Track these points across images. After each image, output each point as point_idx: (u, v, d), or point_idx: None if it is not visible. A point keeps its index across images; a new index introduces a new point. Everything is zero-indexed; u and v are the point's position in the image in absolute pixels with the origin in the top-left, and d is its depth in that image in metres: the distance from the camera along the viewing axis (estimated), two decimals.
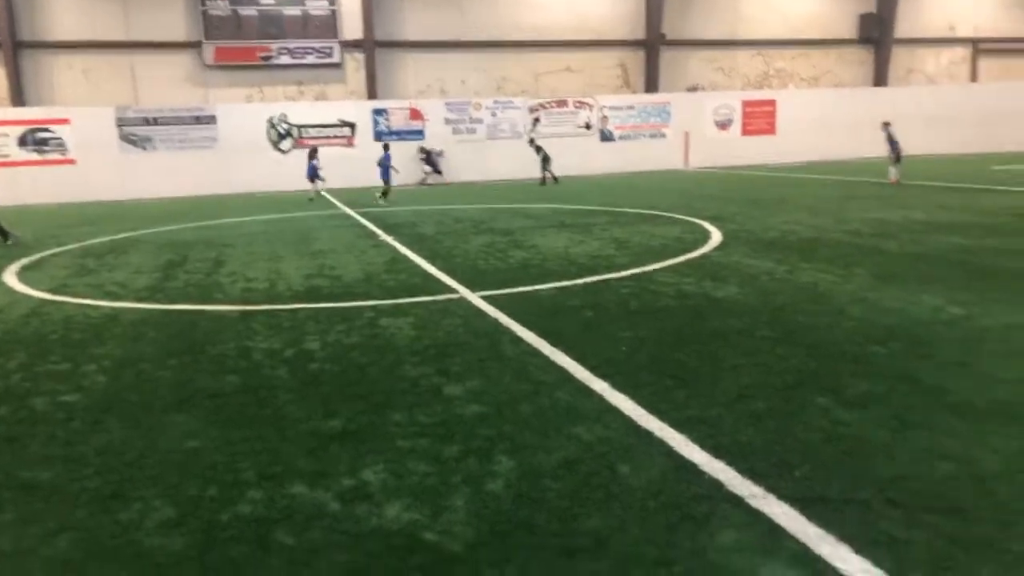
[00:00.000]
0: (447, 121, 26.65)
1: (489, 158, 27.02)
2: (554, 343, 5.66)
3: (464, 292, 7.73)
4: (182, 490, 3.53)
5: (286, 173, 24.99)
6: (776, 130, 30.20)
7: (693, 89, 30.50)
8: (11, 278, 9.70)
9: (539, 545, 2.93)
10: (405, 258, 10.14)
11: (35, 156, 23.63)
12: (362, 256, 10.45)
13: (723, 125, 29.71)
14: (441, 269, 9.11)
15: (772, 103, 30.16)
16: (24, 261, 11.15)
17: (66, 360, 5.82)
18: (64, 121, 23.76)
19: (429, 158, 25.93)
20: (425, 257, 10.07)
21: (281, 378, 5.16)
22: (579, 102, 28.08)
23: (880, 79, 32.59)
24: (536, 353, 5.47)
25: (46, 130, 23.61)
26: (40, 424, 4.48)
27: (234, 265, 10.08)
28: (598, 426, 4.06)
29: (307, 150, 22.49)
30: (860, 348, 5.28)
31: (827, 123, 29.85)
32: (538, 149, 23.85)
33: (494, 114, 27.13)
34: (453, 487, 3.44)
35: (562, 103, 27.94)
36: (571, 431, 4.01)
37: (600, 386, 4.68)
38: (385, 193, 19.24)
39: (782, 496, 3.20)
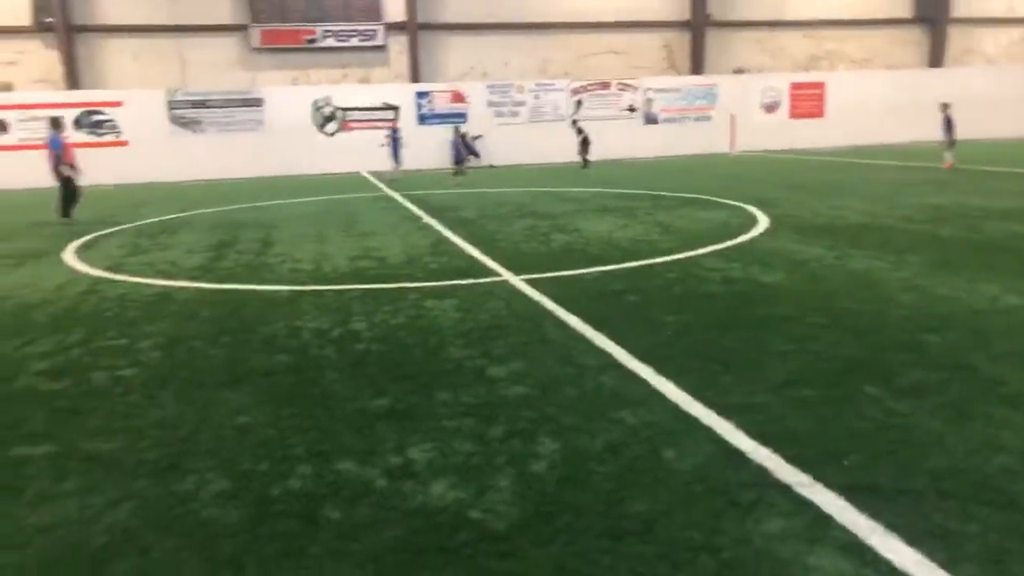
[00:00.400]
0: (489, 104, 26.59)
1: (531, 141, 26.90)
2: (598, 327, 5.65)
3: (507, 275, 7.75)
4: (235, 464, 3.63)
5: (331, 155, 25.29)
6: (825, 113, 29.49)
7: (739, 71, 29.93)
8: (70, 256, 10.01)
9: (584, 527, 2.95)
10: (448, 241, 10.19)
11: (90, 138, 24.23)
12: (406, 238, 10.54)
13: (770, 108, 29.12)
14: (484, 252, 9.13)
15: (821, 86, 29.44)
16: (81, 240, 11.48)
17: (123, 336, 6.00)
18: (118, 104, 24.30)
19: (464, 142, 25.89)
20: (468, 240, 10.11)
21: (329, 358, 5.25)
22: (623, 84, 27.77)
23: (935, 60, 31.57)
24: (579, 337, 5.47)
25: (100, 112, 24.20)
26: (100, 397, 4.63)
27: (282, 246, 10.25)
28: (643, 411, 4.06)
29: (389, 131, 22.90)
30: (913, 337, 5.16)
31: (878, 106, 29.05)
32: (579, 131, 23.72)
33: (536, 97, 26.98)
34: (497, 467, 3.48)
35: (605, 85, 27.65)
36: (615, 415, 4.01)
37: (645, 371, 4.66)
38: (457, 173, 19.57)
39: (830, 485, 3.16)
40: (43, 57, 25.23)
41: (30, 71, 25.31)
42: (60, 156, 14.02)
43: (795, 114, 29.35)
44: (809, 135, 28.94)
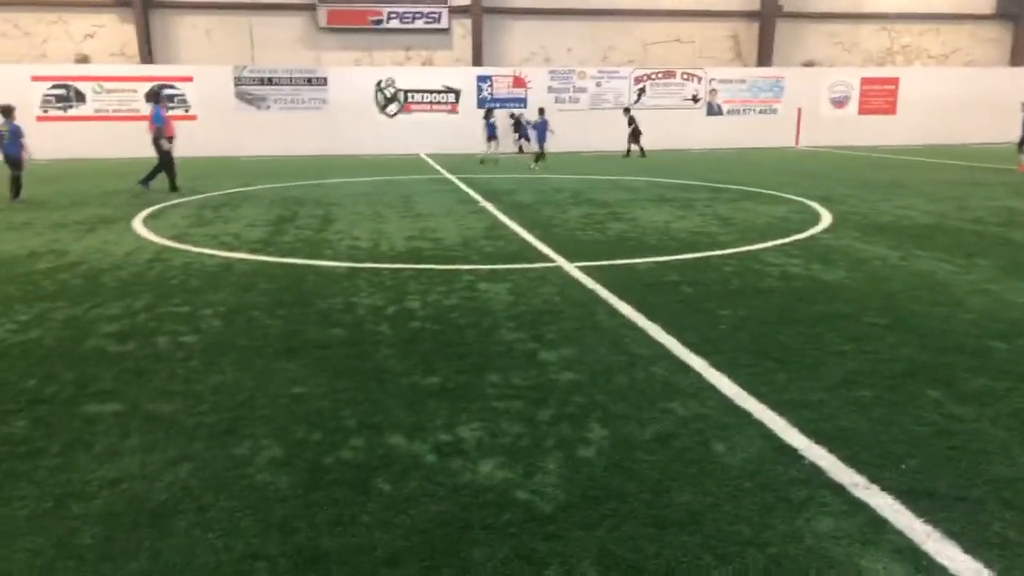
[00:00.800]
0: (550, 89, 26.46)
1: (590, 128, 26.71)
2: (651, 317, 5.61)
3: (561, 261, 7.74)
4: (289, 432, 3.72)
5: (391, 136, 25.56)
6: (897, 110, 28.52)
7: (809, 64, 29.13)
8: (138, 225, 10.36)
9: (630, 513, 2.94)
10: (503, 225, 10.22)
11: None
12: (462, 221, 10.60)
13: (839, 103, 28.30)
14: (539, 238, 9.13)
15: (894, 81, 28.46)
16: (149, 210, 11.86)
17: (185, 304, 6.19)
18: (188, 79, 24.94)
19: (518, 125, 25.74)
20: (523, 225, 10.11)
21: (383, 334, 5.33)
22: (687, 74, 27.31)
23: (1018, 58, 30.21)
24: (632, 326, 5.43)
25: (171, 87, 24.87)
26: (163, 361, 4.80)
27: (341, 223, 10.41)
28: (694, 402, 4.02)
29: (483, 110, 23.34)
30: (979, 342, 4.99)
31: (954, 104, 27.98)
32: (631, 120, 23.44)
33: (598, 84, 26.75)
34: (546, 450, 3.49)
35: (669, 74, 27.24)
36: (666, 405, 3.98)
37: (697, 363, 4.62)
38: (539, 157, 19.71)
39: (886, 487, 3.09)
40: (120, 31, 26.04)
41: (107, 44, 26.16)
42: (161, 129, 14.67)
43: (865, 110, 28.46)
44: (879, 132, 28.06)
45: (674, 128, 27.02)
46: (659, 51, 28.71)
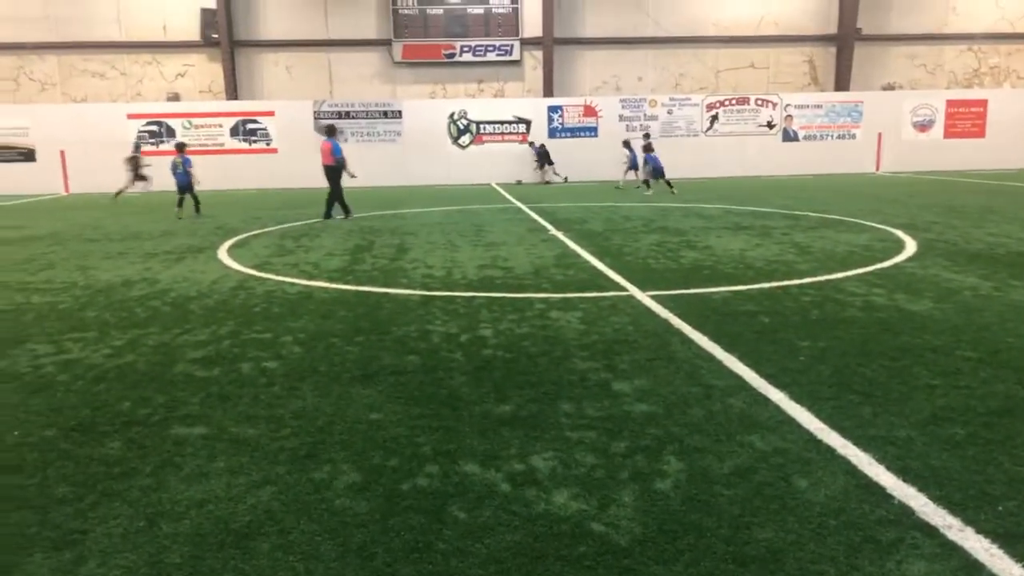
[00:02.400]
0: (621, 118, 26.48)
1: (662, 156, 26.52)
2: (727, 348, 5.50)
3: (633, 290, 7.69)
4: (366, 458, 3.79)
5: (463, 167, 26.00)
6: (985, 133, 27.38)
7: (889, 88, 28.33)
8: (223, 254, 10.80)
9: (708, 549, 2.88)
10: (574, 254, 10.23)
11: (244, 145, 26.06)
12: (532, 250, 10.66)
13: (922, 127, 27.36)
14: (610, 266, 9.10)
15: (982, 103, 27.36)
16: (233, 240, 12.36)
17: (267, 330, 6.40)
18: (270, 113, 26.01)
19: (540, 152, 25.67)
20: (594, 253, 10.10)
21: (457, 361, 5.39)
22: (761, 100, 26.92)
23: None
24: (708, 357, 5.34)
25: (255, 121, 25.98)
26: (246, 386, 4.97)
27: (416, 252, 10.62)
28: (774, 436, 3.91)
29: (622, 141, 23.68)
30: None
31: None
32: (628, 145, 23.45)
33: (670, 112, 26.62)
34: (621, 482, 3.45)
35: (743, 100, 26.91)
36: (744, 439, 3.89)
37: (776, 395, 4.50)
38: (647, 183, 20.64)
39: (982, 530, 2.94)
40: (208, 69, 27.43)
41: (197, 82, 27.58)
42: (342, 160, 15.65)
43: (951, 133, 27.42)
44: (966, 156, 26.98)
45: (749, 155, 26.66)
46: (731, 77, 28.44)
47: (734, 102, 26.87)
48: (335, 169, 15.61)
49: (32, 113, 25.42)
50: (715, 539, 2.95)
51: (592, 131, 26.46)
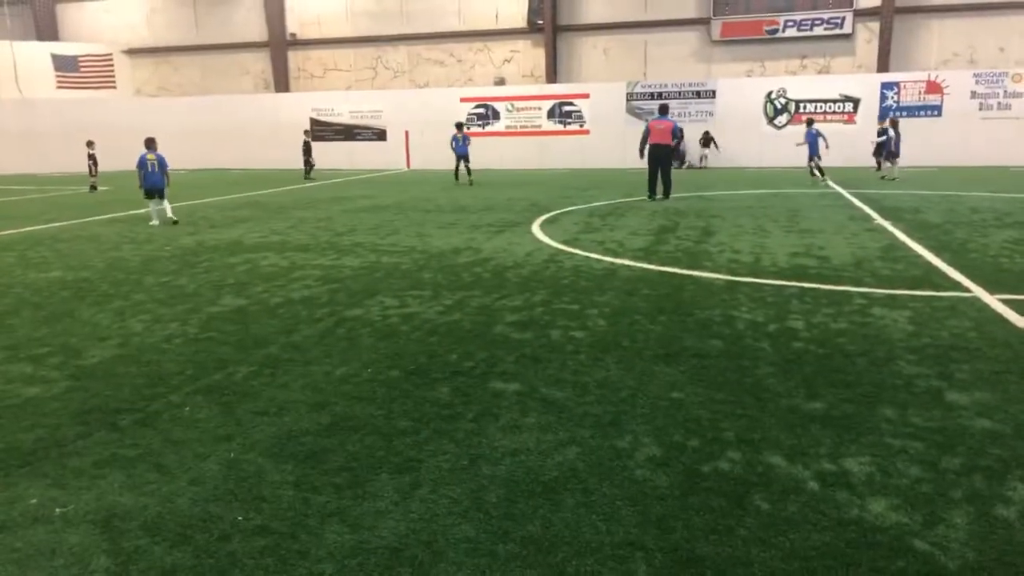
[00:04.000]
0: (973, 95, 23.09)
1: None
2: None
3: (978, 292, 6.73)
4: (666, 434, 3.83)
5: (778, 149, 24.65)
6: None
7: None
8: (536, 229, 11.51)
9: None
10: (904, 246, 9.21)
11: (559, 127, 27.36)
12: (853, 239, 9.81)
13: None
14: (949, 263, 8.05)
15: None
16: (545, 216, 13.10)
17: (575, 302, 6.72)
18: (585, 96, 26.96)
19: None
20: (929, 248, 9.01)
21: (763, 351, 5.19)
22: None
23: None
24: None
25: (570, 103, 27.12)
26: (555, 351, 5.28)
27: (722, 236, 10.37)
28: None
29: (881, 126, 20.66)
30: None
31: None
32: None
33: None
34: (952, 501, 3.08)
35: None
36: None
37: None
38: (817, 171, 18.41)
39: None
40: (532, 55, 29.18)
41: (521, 67, 29.51)
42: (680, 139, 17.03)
43: None
44: None
45: None
46: None
47: None
48: (671, 149, 15.72)
49: (385, 98, 29.18)
50: None
51: (936, 110, 23.45)
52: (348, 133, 29.38)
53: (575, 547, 2.82)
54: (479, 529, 2.95)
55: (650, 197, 15.56)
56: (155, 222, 12.89)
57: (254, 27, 32.01)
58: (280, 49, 31.65)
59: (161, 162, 13.01)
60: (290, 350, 5.42)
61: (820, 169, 18.35)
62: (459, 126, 21.25)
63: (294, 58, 32.06)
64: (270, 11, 31.25)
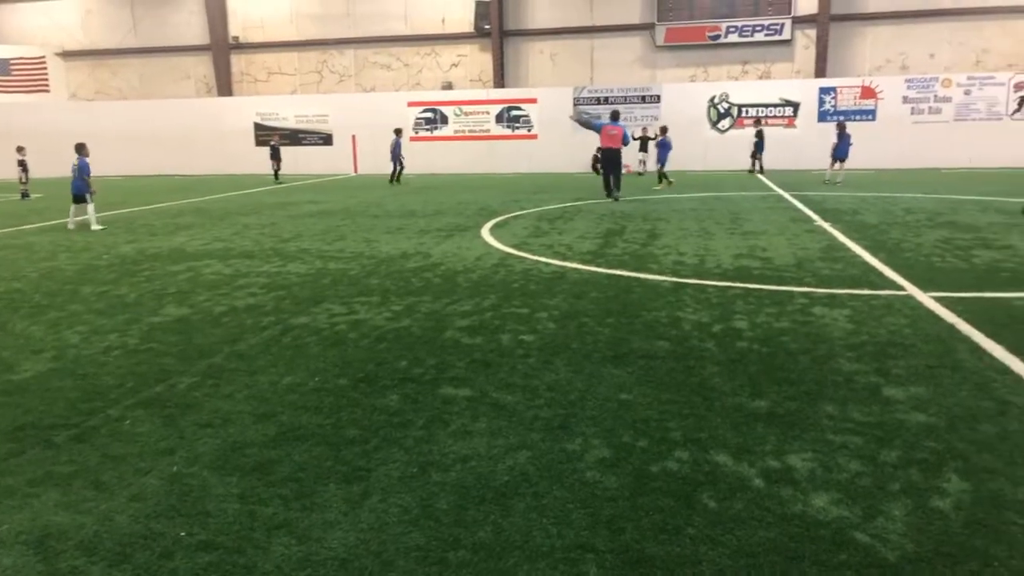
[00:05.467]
0: (905, 100, 23.94)
1: (955, 142, 23.63)
2: None
3: (912, 290, 6.97)
4: (616, 435, 3.86)
5: (721, 152, 25.15)
6: None
7: None
8: (486, 233, 11.51)
9: None
10: (843, 246, 9.48)
11: (507, 131, 27.43)
12: (795, 240, 10.06)
13: None
14: (885, 263, 8.32)
15: None
16: (495, 220, 13.11)
17: (525, 306, 6.73)
18: (532, 101, 27.09)
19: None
20: (867, 248, 9.29)
21: (709, 351, 5.28)
22: None
23: None
24: (1004, 370, 4.70)
25: (518, 108, 27.22)
26: (506, 356, 5.28)
27: (667, 239, 10.52)
28: None
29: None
30: None
31: None
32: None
33: (967, 92, 23.54)
34: (891, 494, 3.18)
35: None
36: None
37: None
38: (662, 177, 19.33)
39: None
40: (479, 59, 29.19)
41: (468, 72, 29.50)
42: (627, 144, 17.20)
43: None
44: None
45: None
46: None
47: None
48: (619, 152, 16.53)
49: (331, 102, 28.85)
50: (1004, 570, 2.62)
51: (870, 114, 24.23)
52: (293, 138, 28.95)
53: (526, 552, 2.82)
54: (429, 537, 2.93)
55: (607, 196, 16.34)
56: (71, 226, 13.11)
57: (195, 30, 31.32)
58: (223, 52, 31.02)
59: (82, 168, 13.06)
60: (235, 360, 5.31)
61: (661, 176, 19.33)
62: (398, 132, 23.00)
63: (237, 62, 31.47)
64: (212, 14, 30.61)
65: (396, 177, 22.88)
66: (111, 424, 4.16)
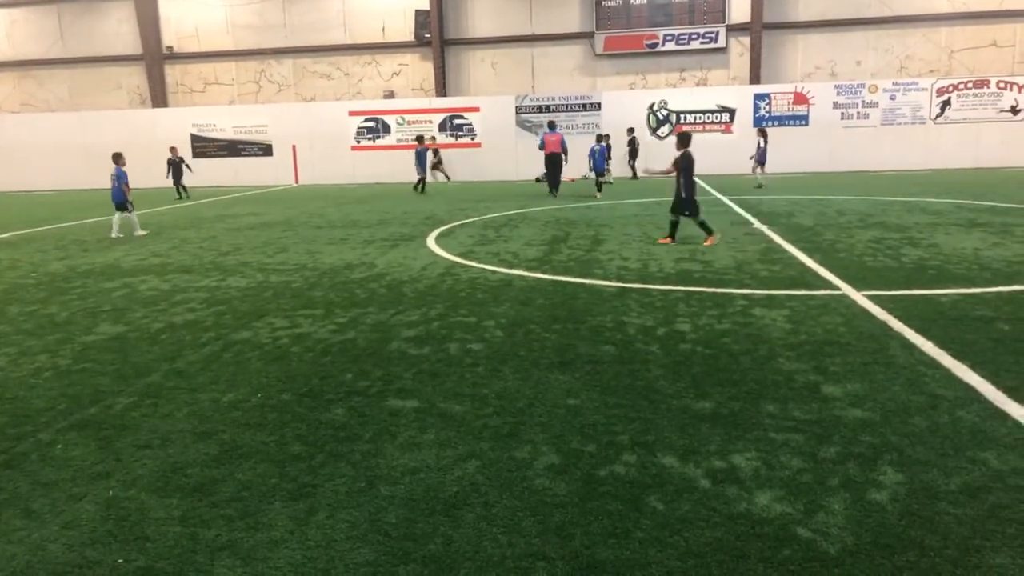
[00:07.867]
0: (835, 105, 24.77)
1: (883, 146, 24.55)
2: (957, 355, 5.00)
3: (847, 289, 7.20)
4: (564, 441, 3.88)
5: (661, 158, 25.56)
6: None
7: None
8: (432, 243, 11.46)
9: (932, 568, 2.65)
10: (780, 248, 9.74)
11: (451, 140, 27.41)
12: (734, 243, 10.29)
13: None
14: (820, 263, 8.57)
15: None
16: (440, 229, 13.07)
17: (472, 315, 6.72)
18: (475, 109, 27.13)
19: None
20: (802, 249, 9.56)
21: (654, 354, 5.35)
22: (1004, 82, 23.98)
23: None
24: (934, 364, 4.89)
25: (461, 117, 27.23)
26: (453, 365, 5.26)
27: (611, 244, 10.64)
28: (1013, 455, 3.51)
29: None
30: None
31: None
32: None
33: (892, 97, 24.49)
34: (830, 489, 3.27)
35: (981, 83, 24.11)
36: (976, 455, 3.53)
37: (1017, 411, 4.03)
38: (599, 186, 19.48)
39: None
40: (420, 68, 29.12)
41: (410, 80, 29.39)
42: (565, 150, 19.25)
43: None
44: None
45: (987, 144, 23.94)
46: (967, 58, 25.59)
47: (970, 85, 24.17)
48: (560, 156, 18.97)
49: (270, 112, 28.39)
50: (940, 559, 2.71)
51: (803, 119, 24.99)
52: (232, 149, 28.38)
53: (477, 562, 2.80)
54: (379, 552, 2.89)
55: (551, 193, 19.15)
56: (115, 235, 13.39)
57: (127, 40, 30.46)
58: (156, 63, 30.24)
59: (120, 177, 13.43)
60: (174, 378, 5.16)
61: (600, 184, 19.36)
62: (419, 139, 22.86)
63: (172, 72, 30.71)
64: (143, 23, 29.82)
65: (420, 186, 22.11)
66: (42, 449, 4.00)
